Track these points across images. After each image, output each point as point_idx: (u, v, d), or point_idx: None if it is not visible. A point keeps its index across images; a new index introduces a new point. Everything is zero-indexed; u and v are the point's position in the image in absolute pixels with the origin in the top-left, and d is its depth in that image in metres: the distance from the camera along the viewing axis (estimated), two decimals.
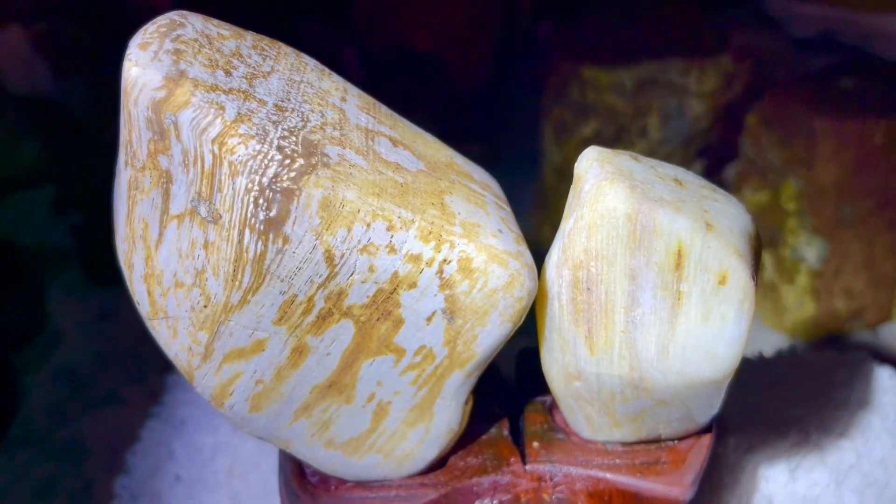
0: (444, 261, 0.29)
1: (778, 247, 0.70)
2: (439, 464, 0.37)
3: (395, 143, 0.32)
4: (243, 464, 0.50)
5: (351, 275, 0.29)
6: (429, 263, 0.29)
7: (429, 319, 0.31)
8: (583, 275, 0.30)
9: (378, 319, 0.31)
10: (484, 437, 0.38)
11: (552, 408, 0.39)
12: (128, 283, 0.31)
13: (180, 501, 0.48)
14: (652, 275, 0.29)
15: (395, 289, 0.30)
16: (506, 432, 0.38)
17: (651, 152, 0.74)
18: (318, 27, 0.80)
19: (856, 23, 0.75)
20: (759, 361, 0.54)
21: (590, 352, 0.32)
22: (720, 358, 0.30)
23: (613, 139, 0.77)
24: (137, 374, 0.60)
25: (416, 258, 0.29)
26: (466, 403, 0.35)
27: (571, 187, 0.31)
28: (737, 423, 0.49)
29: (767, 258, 0.72)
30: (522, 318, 0.32)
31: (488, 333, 0.32)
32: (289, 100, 0.30)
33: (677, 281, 0.29)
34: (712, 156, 0.77)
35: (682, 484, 0.36)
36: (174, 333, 0.31)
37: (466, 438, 0.38)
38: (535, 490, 0.36)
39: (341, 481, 0.37)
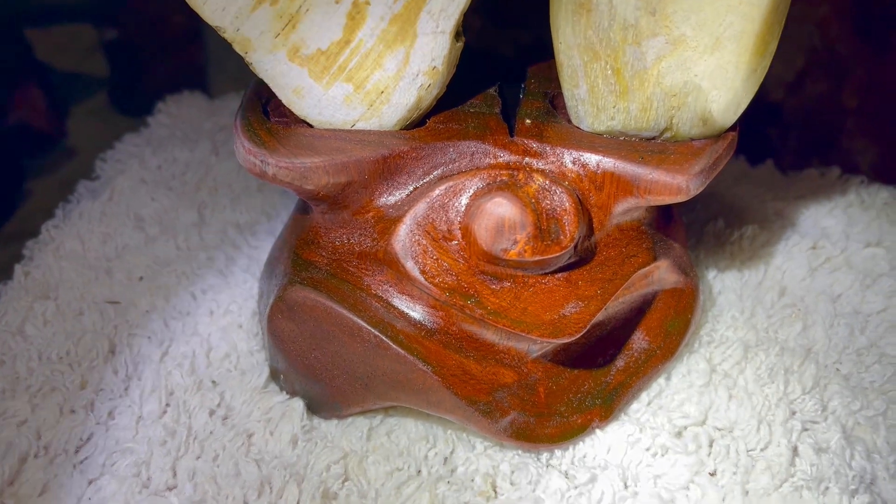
0: None
1: None
2: (418, 124, 0.33)
3: None
4: (214, 179, 0.46)
5: None
6: None
7: None
8: None
9: None
10: (472, 110, 0.34)
11: (555, 98, 0.35)
12: None
13: (139, 201, 0.44)
14: None
15: None
16: (497, 109, 0.34)
17: None
18: None
19: None
20: (794, 176, 0.49)
21: None
22: None
23: None
24: None
25: None
26: (456, 39, 0.31)
27: None
28: (759, 217, 0.44)
29: None
30: None
31: None
32: None
33: None
34: None
35: (688, 172, 0.31)
36: None
37: (453, 110, 0.34)
38: (519, 162, 0.32)
39: (308, 125, 0.32)
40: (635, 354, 0.36)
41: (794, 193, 0.47)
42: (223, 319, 0.38)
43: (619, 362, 0.35)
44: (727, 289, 0.40)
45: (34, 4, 0.73)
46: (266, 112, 0.34)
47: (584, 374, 0.35)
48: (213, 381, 0.36)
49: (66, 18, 0.76)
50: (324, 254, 0.34)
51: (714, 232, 0.43)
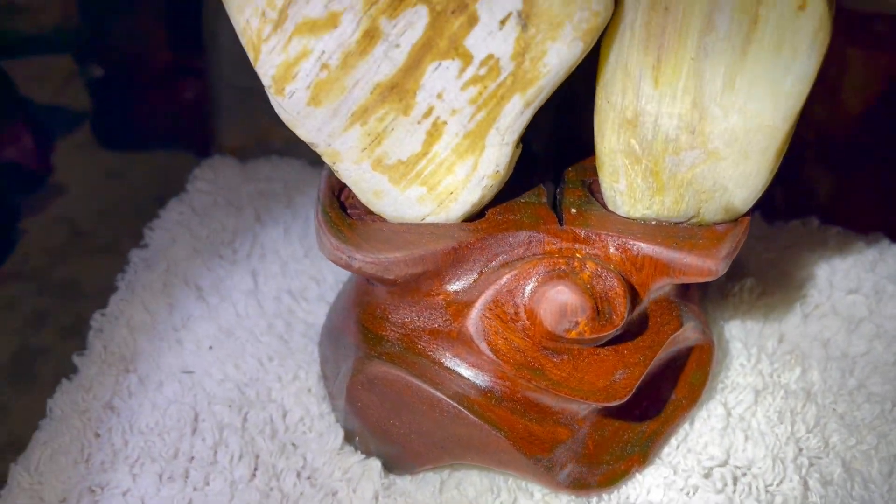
0: None
1: None
2: (478, 216, 0.37)
3: None
4: (262, 246, 0.50)
5: None
6: None
7: (503, 22, 0.31)
8: None
9: (453, 13, 0.31)
10: (522, 201, 0.38)
11: (592, 185, 0.40)
12: None
13: (196, 271, 0.48)
14: None
15: None
16: (544, 199, 0.39)
17: None
18: None
19: None
20: (780, 227, 0.55)
21: (654, 84, 0.32)
22: (785, 95, 0.31)
23: None
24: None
25: None
26: (517, 147, 0.36)
27: None
28: (754, 269, 0.50)
29: None
30: (593, 40, 0.32)
31: (557, 51, 0.32)
32: None
33: (757, 3, 0.29)
34: None
35: (716, 257, 0.36)
36: None
37: (506, 202, 0.38)
38: (570, 248, 0.37)
39: (380, 218, 0.37)
40: (665, 405, 0.41)
41: (781, 244, 0.52)
42: (293, 385, 0.42)
43: (652, 413, 0.41)
44: (734, 338, 0.46)
45: (10, 36, 0.74)
46: (341, 203, 0.38)
47: (624, 425, 0.40)
48: (294, 444, 0.40)
49: (43, 50, 0.77)
50: (394, 329, 0.38)
51: (717, 286, 0.49)
